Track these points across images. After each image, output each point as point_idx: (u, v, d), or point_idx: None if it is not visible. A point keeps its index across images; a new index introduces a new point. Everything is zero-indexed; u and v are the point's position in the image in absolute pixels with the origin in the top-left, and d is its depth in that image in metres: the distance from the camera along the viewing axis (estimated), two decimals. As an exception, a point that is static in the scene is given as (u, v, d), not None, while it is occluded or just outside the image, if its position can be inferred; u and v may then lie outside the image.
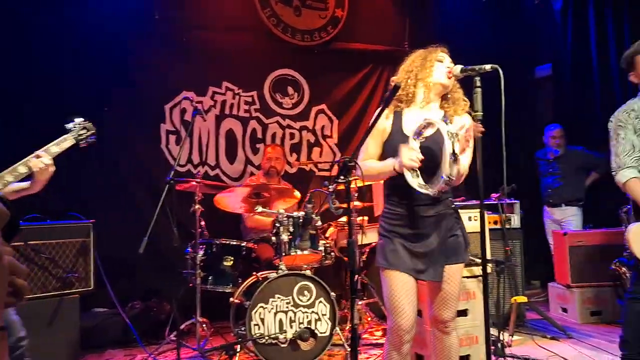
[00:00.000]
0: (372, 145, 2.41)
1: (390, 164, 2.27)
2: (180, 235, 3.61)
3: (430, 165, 2.22)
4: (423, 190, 2.20)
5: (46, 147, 2.45)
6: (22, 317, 2.39)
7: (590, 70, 5.63)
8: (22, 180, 2.38)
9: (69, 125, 2.57)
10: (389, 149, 2.36)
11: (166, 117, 4.95)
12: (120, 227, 4.38)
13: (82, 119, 2.62)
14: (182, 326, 3.85)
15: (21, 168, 2.33)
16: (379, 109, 2.29)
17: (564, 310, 4.81)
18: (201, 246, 3.76)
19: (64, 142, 2.51)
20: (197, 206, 3.76)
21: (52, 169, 2.41)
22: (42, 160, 2.36)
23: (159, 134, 4.91)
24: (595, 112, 5.46)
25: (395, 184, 2.35)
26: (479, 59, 2.29)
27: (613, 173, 2.98)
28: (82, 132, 2.59)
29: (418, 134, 2.25)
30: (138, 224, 3.69)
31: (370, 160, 2.40)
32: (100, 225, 3.87)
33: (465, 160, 2.29)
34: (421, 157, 2.17)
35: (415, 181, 2.22)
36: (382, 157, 2.40)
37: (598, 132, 5.17)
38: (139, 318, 4.19)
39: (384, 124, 2.41)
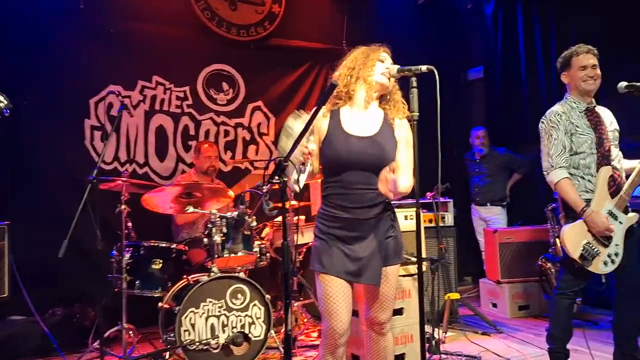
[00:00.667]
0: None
1: None
2: (105, 237, 3.42)
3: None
4: (291, 184, 2.14)
5: None
6: None
7: (519, 74, 5.84)
8: None
9: None
10: (328, 148, 2.30)
11: (91, 112, 4.68)
12: (39, 229, 4.12)
13: None
14: (107, 333, 3.66)
15: None
16: (316, 107, 2.22)
17: (494, 305, 4.95)
18: (127, 248, 3.59)
19: None
20: (123, 206, 3.58)
21: None
22: None
23: (83, 130, 4.64)
24: (524, 114, 5.67)
25: (333, 185, 2.29)
26: (415, 60, 2.27)
27: (545, 172, 3.08)
28: None
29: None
30: (59, 225, 3.45)
31: None
32: (16, 227, 3.63)
33: (407, 178, 2.31)
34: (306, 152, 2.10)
35: (294, 176, 2.15)
36: (321, 156, 2.34)
37: (526, 133, 5.39)
38: (61, 325, 3.96)
39: (320, 123, 2.35)
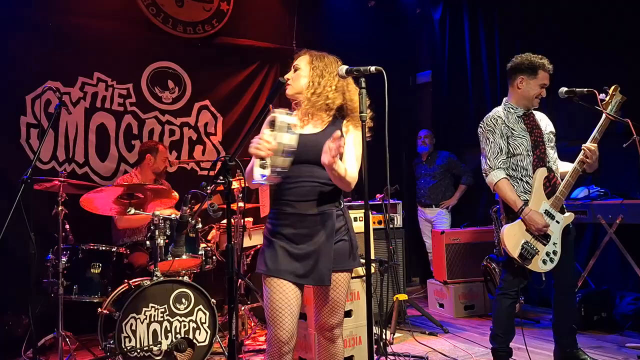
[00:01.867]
0: None
1: None
2: (41, 240, 3.24)
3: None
4: (258, 180, 2.06)
5: None
6: None
7: (465, 78, 5.97)
8: None
9: None
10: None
11: (27, 108, 4.43)
12: (-33, 232, 3.85)
13: None
14: (42, 341, 3.48)
15: None
16: (264, 106, 2.17)
17: (441, 305, 5.03)
18: (65, 252, 3.43)
19: None
20: (60, 208, 3.41)
21: None
22: None
23: (19, 128, 4.39)
24: (470, 118, 5.79)
25: (283, 181, 2.23)
26: (364, 63, 2.24)
27: (484, 174, 3.16)
28: None
29: (272, 124, 2.07)
30: (-11, 228, 3.26)
31: None
32: (-59, 230, 3.37)
33: (352, 168, 2.20)
34: (269, 146, 2.00)
35: (259, 171, 2.08)
36: None
37: (472, 137, 5.50)
38: (-9, 334, 3.72)
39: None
